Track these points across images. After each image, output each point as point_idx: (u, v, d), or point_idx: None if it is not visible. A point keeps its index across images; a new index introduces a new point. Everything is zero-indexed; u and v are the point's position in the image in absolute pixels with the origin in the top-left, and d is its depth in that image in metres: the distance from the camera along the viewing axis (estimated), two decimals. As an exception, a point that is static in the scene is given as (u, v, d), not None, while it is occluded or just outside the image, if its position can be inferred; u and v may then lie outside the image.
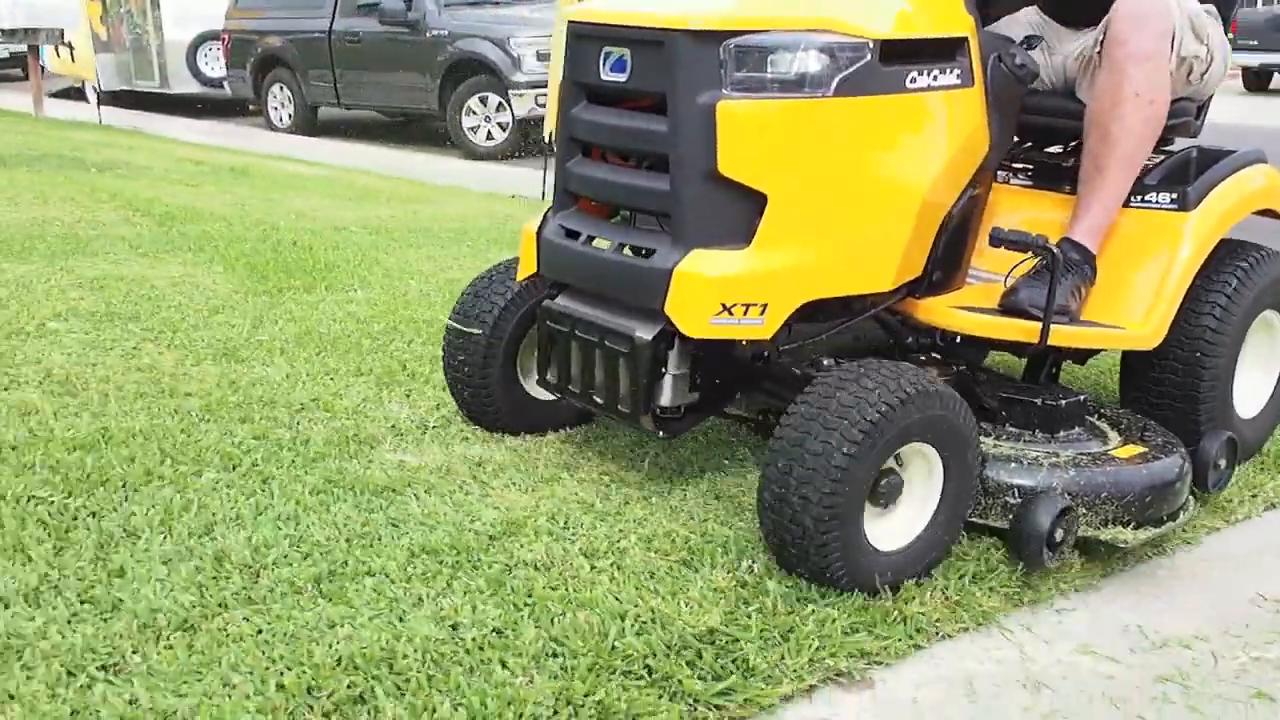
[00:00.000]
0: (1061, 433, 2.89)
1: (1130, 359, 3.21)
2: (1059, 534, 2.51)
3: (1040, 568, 2.53)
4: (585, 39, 2.72)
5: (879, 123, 2.55)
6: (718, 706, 1.99)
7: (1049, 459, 2.71)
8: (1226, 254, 3.11)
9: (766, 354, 2.82)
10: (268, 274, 5.00)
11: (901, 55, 2.53)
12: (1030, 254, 2.82)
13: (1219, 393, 3.10)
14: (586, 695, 1.96)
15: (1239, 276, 3.09)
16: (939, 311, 2.89)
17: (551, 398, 3.19)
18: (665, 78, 2.50)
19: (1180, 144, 3.23)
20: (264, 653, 2.04)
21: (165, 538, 2.49)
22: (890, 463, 2.44)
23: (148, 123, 12.89)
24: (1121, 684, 2.17)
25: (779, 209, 2.50)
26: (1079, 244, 2.95)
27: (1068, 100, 3.14)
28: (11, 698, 1.88)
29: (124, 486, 2.74)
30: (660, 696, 1.99)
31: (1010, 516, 2.59)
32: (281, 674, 1.97)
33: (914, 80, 2.56)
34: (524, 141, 10.84)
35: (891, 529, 2.49)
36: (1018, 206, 3.11)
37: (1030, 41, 2.99)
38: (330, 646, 2.05)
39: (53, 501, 2.63)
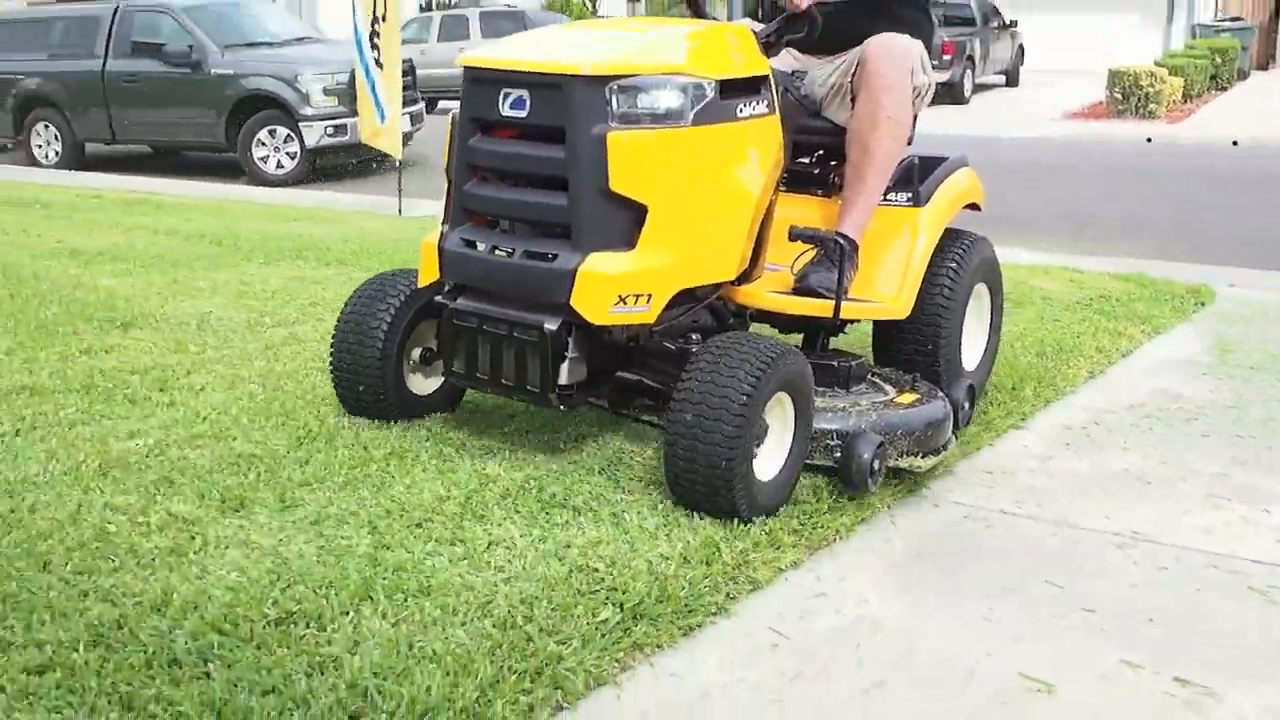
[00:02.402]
0: (854, 388, 3.70)
1: (881, 328, 4.04)
2: (876, 464, 3.29)
3: (865, 492, 3.30)
4: (483, 82, 3.31)
5: (723, 144, 3.25)
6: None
7: (854, 408, 3.50)
8: (949, 240, 3.98)
9: (639, 337, 3.43)
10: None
11: (732, 91, 3.26)
12: (816, 246, 3.62)
13: (953, 351, 3.98)
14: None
15: (960, 257, 3.97)
16: (756, 295, 3.62)
17: (428, 391, 3.79)
18: (563, 114, 3.11)
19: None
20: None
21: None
22: None
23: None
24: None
25: (657, 217, 3.14)
26: (849, 237, 3.67)
27: (815, 120, 3.93)
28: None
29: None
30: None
31: (834, 456, 3.34)
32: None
33: (742, 110, 3.28)
34: (313, 169, 12.22)
35: (762, 465, 3.14)
36: (781, 209, 3.65)
37: (798, 76, 3.86)
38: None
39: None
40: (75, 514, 2.95)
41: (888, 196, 3.83)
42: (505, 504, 3.13)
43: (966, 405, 3.86)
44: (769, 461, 3.18)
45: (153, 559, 2.73)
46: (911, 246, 3.79)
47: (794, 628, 2.68)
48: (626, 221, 3.14)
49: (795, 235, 3.56)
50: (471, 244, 3.33)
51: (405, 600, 2.57)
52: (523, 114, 3.20)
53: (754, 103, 3.31)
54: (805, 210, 3.86)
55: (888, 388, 3.76)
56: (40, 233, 7.53)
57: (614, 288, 3.10)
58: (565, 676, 2.35)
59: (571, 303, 3.11)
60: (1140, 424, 4.22)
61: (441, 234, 3.42)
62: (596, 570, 2.77)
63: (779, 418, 3.21)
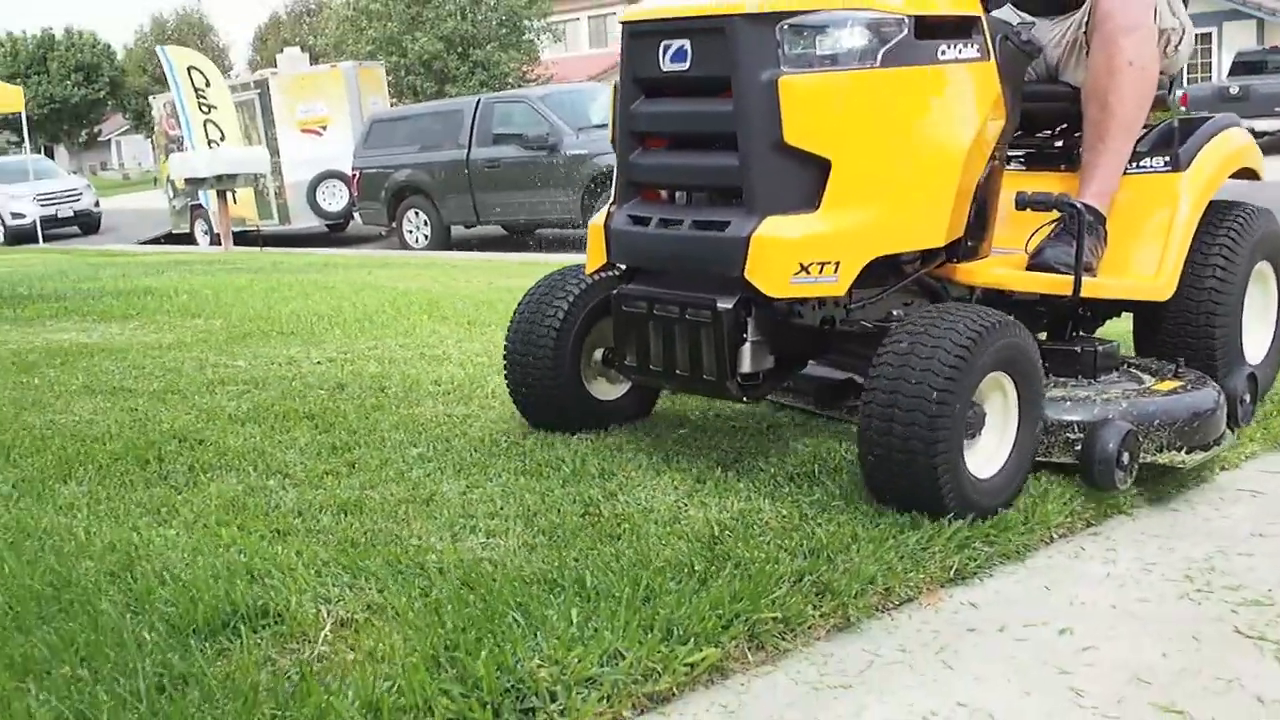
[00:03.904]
0: (1103, 377, 3.33)
1: (1143, 316, 3.68)
2: (1125, 456, 2.94)
3: (1112, 489, 2.95)
4: (643, 36, 3.06)
5: (920, 90, 2.92)
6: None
7: (1100, 396, 3.16)
8: (1220, 212, 3.59)
9: (834, 318, 3.18)
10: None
11: (931, 30, 2.92)
12: (1054, 213, 3.28)
13: (1231, 340, 3.57)
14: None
15: (1236, 230, 3.56)
16: (979, 272, 3.24)
17: (613, 396, 3.60)
18: (728, 60, 2.84)
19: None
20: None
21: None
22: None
23: (312, 251, 15.03)
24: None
25: (842, 173, 2.84)
26: (1091, 206, 3.29)
27: (1052, 85, 3.58)
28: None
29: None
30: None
31: (1074, 450, 3.01)
32: None
33: (944, 53, 2.93)
34: None
35: (979, 458, 2.83)
36: (1019, 187, 3.35)
37: (1025, 25, 3.34)
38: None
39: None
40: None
41: (1141, 162, 3.50)
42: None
43: (1247, 398, 3.51)
44: (987, 455, 2.88)
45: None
46: (1171, 218, 3.42)
47: (1267, 487, 3.25)
48: (806, 179, 2.86)
49: (1023, 201, 3.24)
50: (640, 220, 3.11)
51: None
52: (684, 66, 2.97)
53: (960, 46, 2.98)
54: (1048, 189, 3.43)
55: (1145, 376, 3.42)
56: (470, 280, 8.86)
57: (794, 254, 2.82)
58: (1107, 501, 3.02)
59: (746, 275, 2.84)
60: None
61: (608, 213, 3.21)
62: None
63: (998, 403, 2.91)
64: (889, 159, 2.91)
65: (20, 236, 22.24)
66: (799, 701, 2.13)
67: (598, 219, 3.22)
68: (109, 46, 53.08)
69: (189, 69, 16.41)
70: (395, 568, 2.60)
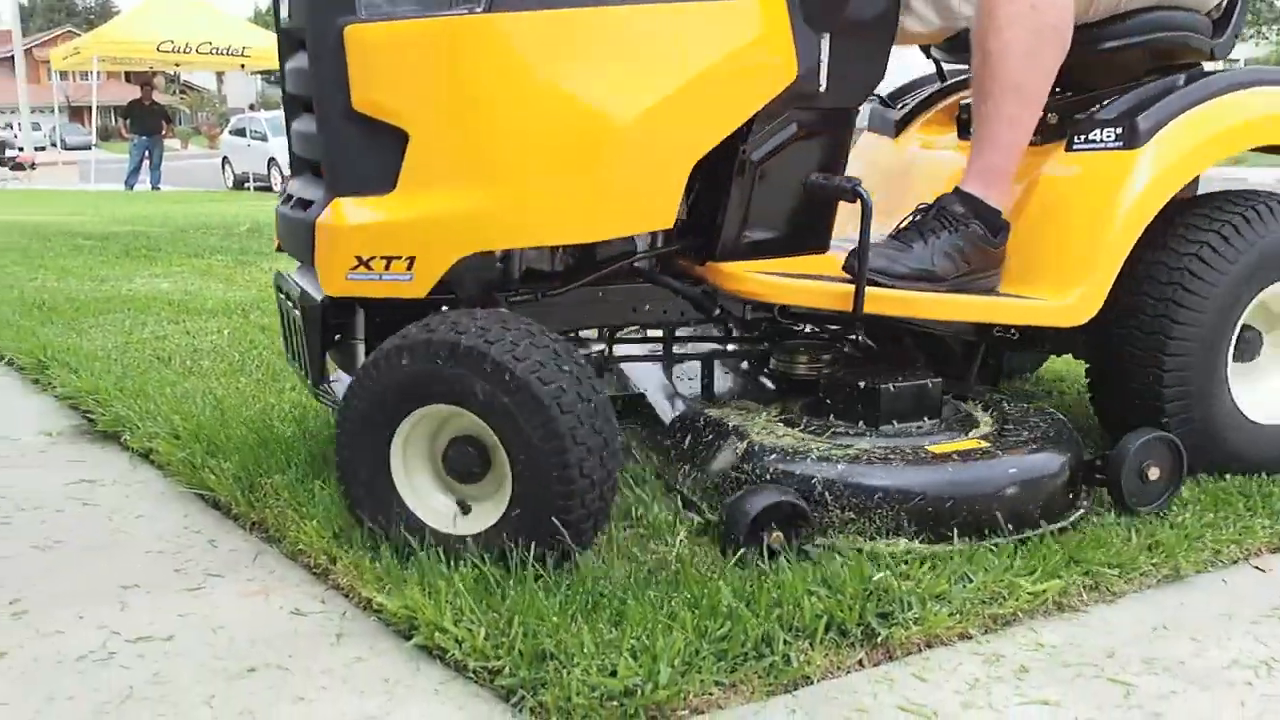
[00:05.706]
0: (892, 425, 2.58)
1: (1091, 356, 2.89)
2: (771, 532, 2.31)
3: (737, 563, 2.30)
4: None
5: (559, 40, 2.26)
6: None
7: (824, 450, 2.45)
8: (1213, 206, 2.73)
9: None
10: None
11: None
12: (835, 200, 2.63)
13: (1195, 383, 2.70)
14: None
15: (1225, 231, 2.67)
16: (740, 277, 2.59)
17: None
18: (304, 5, 2.37)
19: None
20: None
21: None
22: (419, 433, 2.29)
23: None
24: None
25: (422, 147, 2.28)
26: (967, 194, 2.63)
27: None
28: None
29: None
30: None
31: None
32: None
33: None
34: None
35: (470, 510, 2.33)
36: (1031, 168, 2.71)
37: None
38: None
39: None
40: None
41: (1090, 135, 2.68)
42: None
43: (1154, 474, 2.60)
44: (481, 509, 2.32)
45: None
46: (1107, 211, 2.59)
47: None
48: (382, 154, 2.32)
49: (810, 185, 2.60)
50: (287, 198, 2.72)
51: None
52: (286, 14, 2.57)
53: None
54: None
55: (980, 426, 2.65)
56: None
57: (349, 245, 2.33)
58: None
59: (314, 264, 2.40)
60: None
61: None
62: None
63: (497, 456, 2.24)
64: (498, 130, 2.29)
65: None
66: (1136, 639, 2.28)
67: None
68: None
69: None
70: (739, 490, 2.84)
